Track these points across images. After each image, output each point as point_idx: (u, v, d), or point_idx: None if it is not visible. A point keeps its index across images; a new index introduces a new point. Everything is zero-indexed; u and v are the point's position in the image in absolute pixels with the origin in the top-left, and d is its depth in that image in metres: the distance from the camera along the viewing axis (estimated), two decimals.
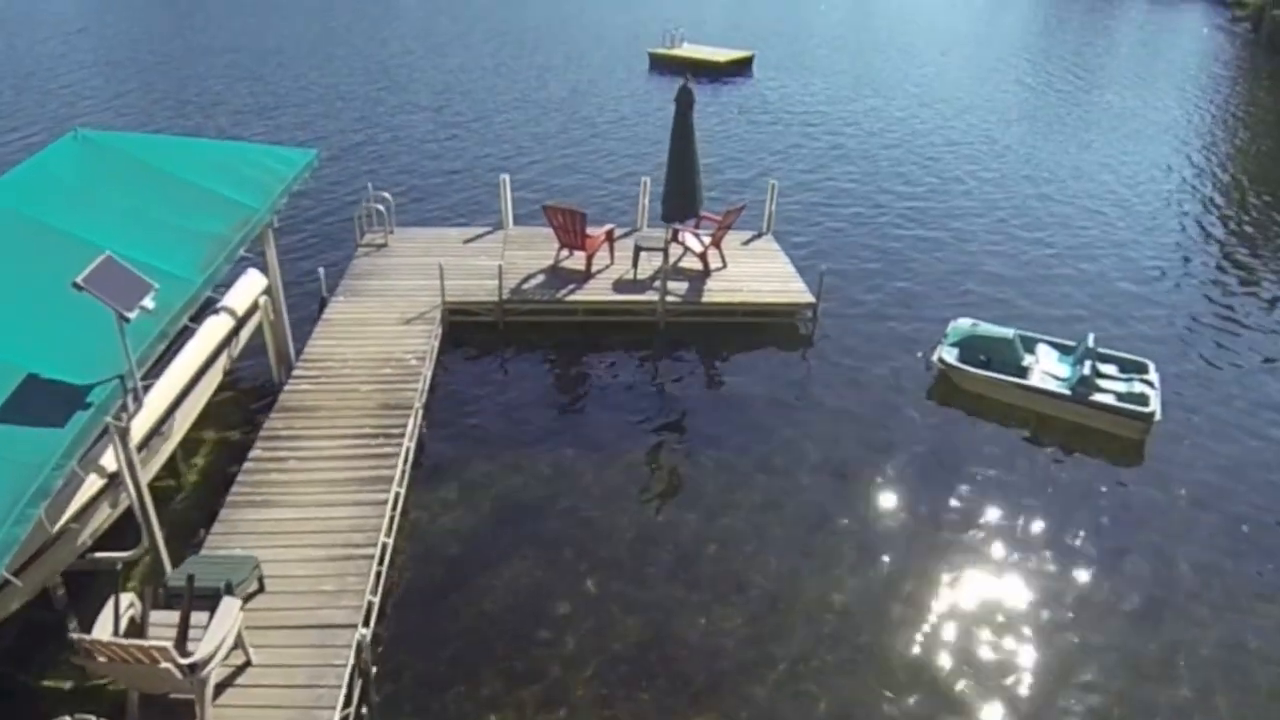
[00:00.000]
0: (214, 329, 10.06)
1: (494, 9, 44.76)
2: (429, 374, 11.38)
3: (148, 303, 6.72)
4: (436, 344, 12.08)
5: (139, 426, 8.17)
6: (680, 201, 12.51)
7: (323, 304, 12.71)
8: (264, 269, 11.13)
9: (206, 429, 10.35)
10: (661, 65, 31.77)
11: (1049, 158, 23.11)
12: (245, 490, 8.95)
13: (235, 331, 10.52)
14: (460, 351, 12.58)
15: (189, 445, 10.01)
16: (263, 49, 31.88)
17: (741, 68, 32.02)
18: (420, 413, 10.60)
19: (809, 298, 13.42)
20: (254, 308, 10.85)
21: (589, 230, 13.62)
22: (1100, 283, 15.80)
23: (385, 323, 12.23)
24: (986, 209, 19.16)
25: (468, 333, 12.87)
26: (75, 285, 6.46)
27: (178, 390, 9.09)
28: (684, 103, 12.06)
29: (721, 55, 31.92)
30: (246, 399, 11.25)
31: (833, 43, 39.01)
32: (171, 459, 9.51)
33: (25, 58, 31.21)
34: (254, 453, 9.52)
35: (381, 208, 14.61)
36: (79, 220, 8.32)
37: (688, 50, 32.51)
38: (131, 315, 6.59)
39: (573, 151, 21.89)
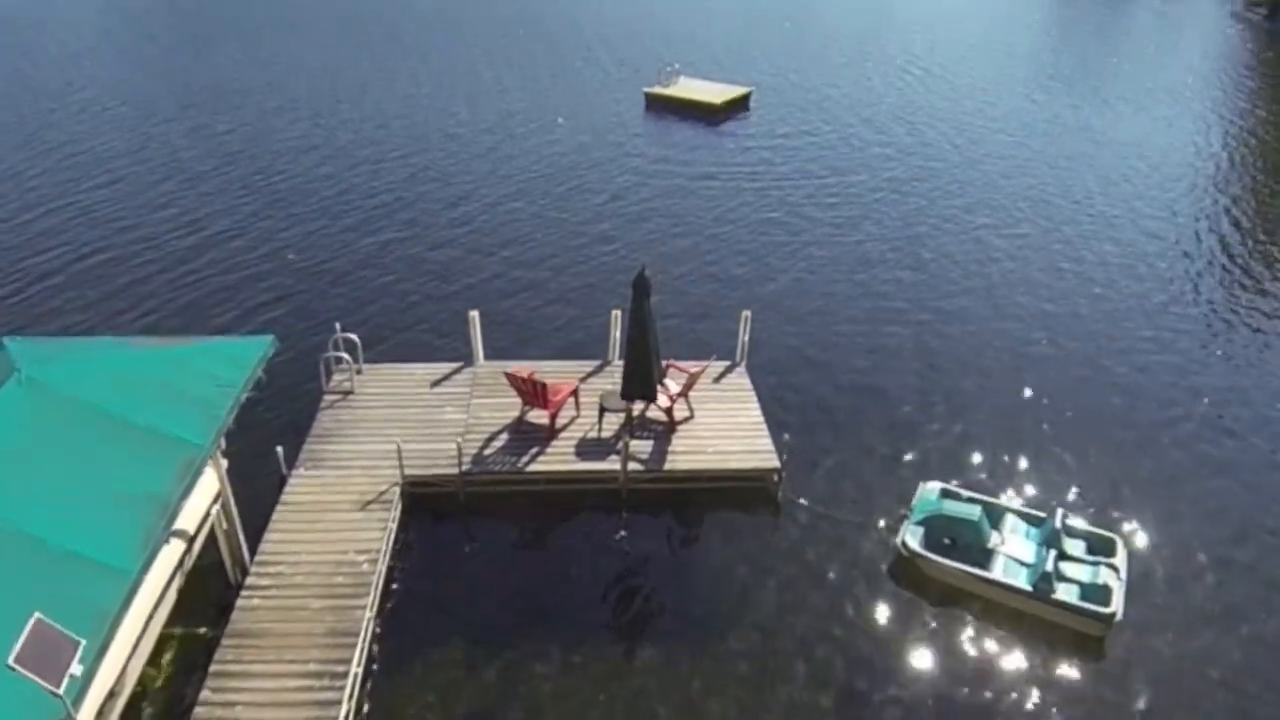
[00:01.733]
0: (164, 561, 10.02)
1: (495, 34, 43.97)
2: (383, 570, 11.44)
3: (75, 669, 6.78)
4: (394, 527, 12.12)
5: (90, 706, 8.25)
6: (638, 383, 12.42)
7: (282, 482, 12.71)
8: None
9: (173, 625, 10.37)
10: (658, 106, 31.16)
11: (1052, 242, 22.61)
12: None
13: (187, 551, 10.51)
14: (420, 531, 12.58)
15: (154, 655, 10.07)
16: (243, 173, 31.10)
17: (738, 106, 31.35)
18: (371, 623, 10.68)
19: (774, 462, 13.30)
20: (206, 516, 10.86)
21: (551, 393, 13.49)
22: (1082, 434, 15.03)
23: (342, 507, 12.25)
24: (970, 323, 18.76)
25: (429, 503, 12.88)
26: (9, 666, 6.56)
27: (127, 652, 9.08)
28: (641, 290, 11.88)
29: (717, 95, 31.18)
30: (208, 595, 11.20)
31: (835, 69, 38.00)
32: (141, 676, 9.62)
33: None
34: (204, 694, 9.65)
35: (346, 355, 14.51)
36: (16, 506, 8.24)
37: (683, 88, 31.81)
38: (60, 690, 6.65)
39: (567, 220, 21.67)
